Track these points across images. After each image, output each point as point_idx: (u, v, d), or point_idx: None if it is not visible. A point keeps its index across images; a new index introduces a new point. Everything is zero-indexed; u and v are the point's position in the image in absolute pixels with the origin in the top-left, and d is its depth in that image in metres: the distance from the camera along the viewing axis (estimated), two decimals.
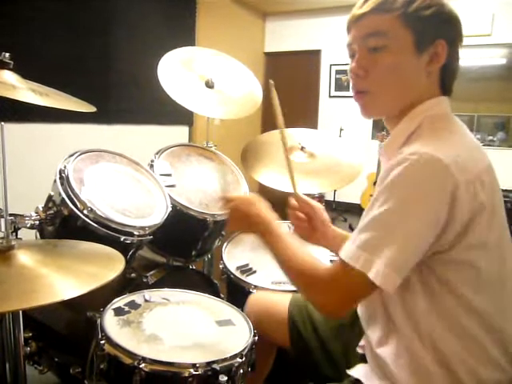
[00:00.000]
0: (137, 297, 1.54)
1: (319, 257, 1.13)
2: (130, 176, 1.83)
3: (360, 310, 1.25)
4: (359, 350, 1.30)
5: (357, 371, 1.23)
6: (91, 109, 1.54)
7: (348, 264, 0.98)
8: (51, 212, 1.59)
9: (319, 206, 1.50)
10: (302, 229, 1.51)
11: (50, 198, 1.62)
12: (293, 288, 1.76)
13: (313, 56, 7.39)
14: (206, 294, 1.64)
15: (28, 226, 1.53)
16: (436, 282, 1.00)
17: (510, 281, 1.06)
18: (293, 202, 1.48)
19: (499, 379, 1.04)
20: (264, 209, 1.28)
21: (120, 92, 4.65)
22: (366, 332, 1.21)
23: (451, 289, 1.00)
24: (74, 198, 1.54)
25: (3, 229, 1.22)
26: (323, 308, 1.07)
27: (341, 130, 6.87)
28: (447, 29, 1.08)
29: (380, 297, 1.11)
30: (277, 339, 1.53)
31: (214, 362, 1.22)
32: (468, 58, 5.81)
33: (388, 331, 1.11)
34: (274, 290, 1.75)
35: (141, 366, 1.18)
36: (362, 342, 1.28)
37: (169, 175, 2.01)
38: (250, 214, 1.28)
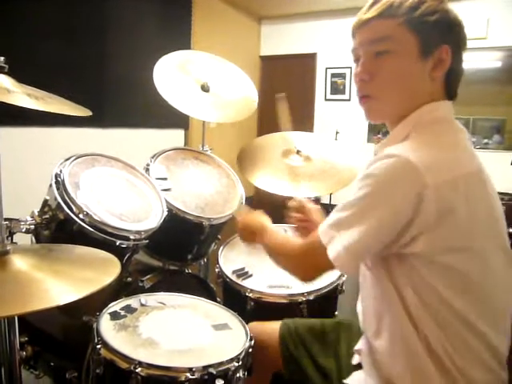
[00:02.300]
0: (133, 301, 1.54)
1: None
2: (126, 180, 1.82)
3: (359, 310, 1.28)
4: (355, 357, 1.31)
5: (353, 379, 1.24)
6: (87, 113, 1.53)
7: (318, 237, 1.09)
8: (47, 216, 1.58)
9: (315, 208, 1.64)
10: (302, 229, 1.64)
11: (45, 203, 1.62)
12: (289, 292, 1.76)
13: (308, 59, 7.40)
14: (202, 298, 1.64)
15: (23, 230, 1.53)
16: (423, 284, 1.01)
17: (492, 287, 1.05)
18: (292, 202, 1.63)
19: (490, 380, 1.05)
20: (259, 217, 1.53)
21: (116, 96, 4.65)
22: (365, 335, 1.22)
23: (436, 291, 1.01)
24: (70, 203, 1.53)
25: None
26: (295, 273, 1.24)
27: (337, 133, 6.88)
28: (451, 34, 1.09)
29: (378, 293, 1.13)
30: (271, 365, 1.54)
31: (210, 366, 1.22)
32: (464, 61, 5.80)
33: (385, 329, 1.12)
34: (269, 295, 1.76)
35: (137, 371, 1.18)
36: (358, 346, 1.29)
37: (164, 179, 2.01)
38: (249, 225, 1.53)
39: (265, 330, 1.55)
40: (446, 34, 1.07)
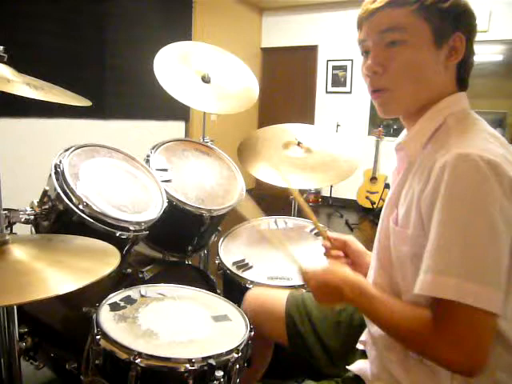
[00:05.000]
0: (133, 292, 1.53)
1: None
2: (126, 171, 1.82)
3: None
4: (359, 346, 1.29)
5: (356, 367, 1.23)
6: (87, 103, 1.52)
7: (444, 300, 0.88)
8: (46, 207, 1.58)
9: (351, 239, 1.38)
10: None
11: (45, 193, 1.61)
12: (289, 283, 1.76)
13: (310, 51, 7.37)
14: (202, 290, 1.63)
15: (23, 220, 1.52)
16: None
17: None
18: (325, 243, 1.36)
19: None
20: (345, 273, 1.12)
21: (116, 87, 4.63)
22: (369, 328, 1.20)
23: None
24: (70, 193, 1.53)
25: None
26: (453, 366, 0.91)
27: (337, 125, 6.89)
28: (464, 21, 1.05)
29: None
30: (274, 335, 1.53)
31: (209, 357, 1.22)
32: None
33: None
34: (270, 286, 1.75)
35: (137, 362, 1.17)
36: (363, 337, 1.28)
37: (165, 170, 2.00)
38: (334, 286, 1.11)
39: (269, 298, 1.54)
40: (459, 21, 1.03)
